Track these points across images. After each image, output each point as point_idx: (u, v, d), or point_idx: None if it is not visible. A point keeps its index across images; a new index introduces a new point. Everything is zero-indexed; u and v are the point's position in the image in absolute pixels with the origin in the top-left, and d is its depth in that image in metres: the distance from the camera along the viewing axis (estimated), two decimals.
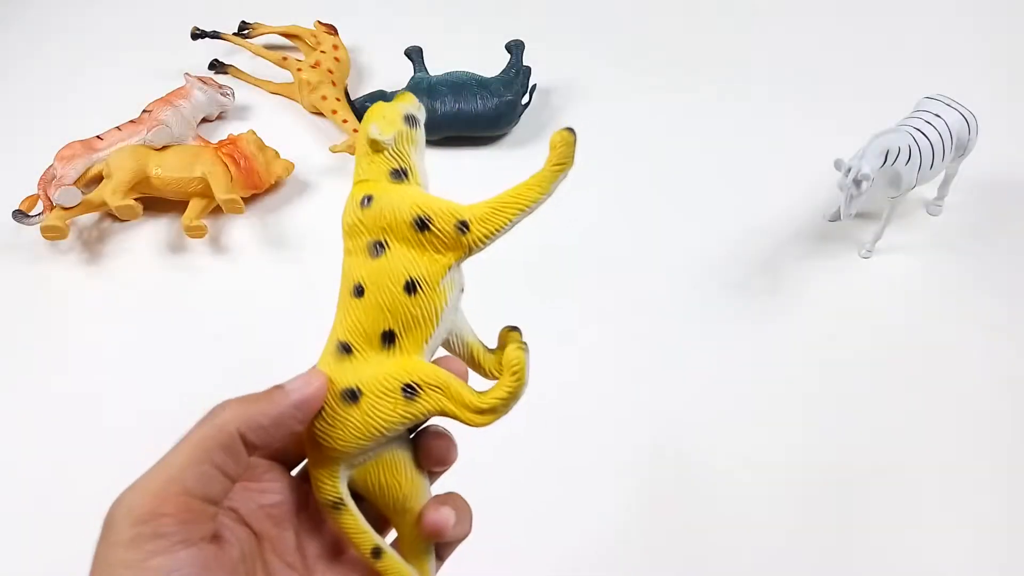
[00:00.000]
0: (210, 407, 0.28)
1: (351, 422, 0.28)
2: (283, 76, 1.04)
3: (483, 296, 0.79)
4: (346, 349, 0.29)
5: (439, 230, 0.29)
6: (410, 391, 0.28)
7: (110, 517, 0.25)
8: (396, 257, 0.29)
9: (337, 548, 0.31)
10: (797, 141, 0.96)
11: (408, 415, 0.28)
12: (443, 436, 0.31)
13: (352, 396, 0.28)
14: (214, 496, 0.26)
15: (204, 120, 0.98)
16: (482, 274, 0.81)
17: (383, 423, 0.28)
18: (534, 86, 0.99)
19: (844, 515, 0.60)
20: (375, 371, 0.28)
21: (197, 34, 1.06)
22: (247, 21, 1.09)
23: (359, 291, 0.29)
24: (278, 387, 0.28)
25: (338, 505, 0.29)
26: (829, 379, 0.70)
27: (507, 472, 0.61)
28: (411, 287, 0.28)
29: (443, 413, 0.28)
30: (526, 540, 0.58)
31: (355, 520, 0.29)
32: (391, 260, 0.29)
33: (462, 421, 0.28)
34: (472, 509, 0.31)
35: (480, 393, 0.28)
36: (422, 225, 0.29)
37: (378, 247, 0.29)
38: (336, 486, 0.29)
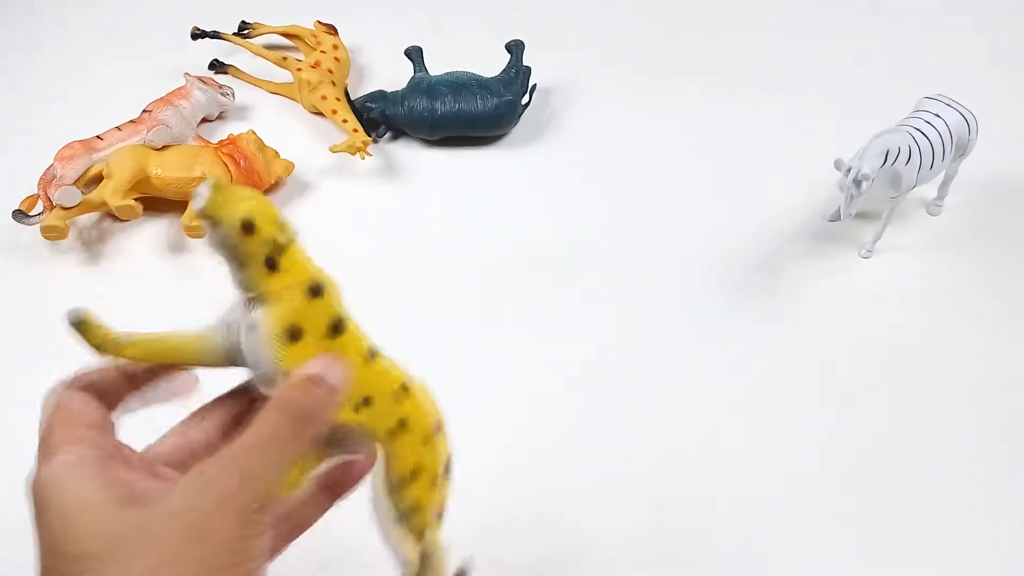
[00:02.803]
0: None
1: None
2: (283, 76, 1.04)
3: (482, 295, 0.79)
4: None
5: None
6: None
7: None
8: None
9: None
10: (797, 141, 0.96)
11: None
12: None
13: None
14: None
15: (204, 120, 0.98)
16: (482, 273, 0.82)
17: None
18: (534, 86, 0.99)
19: (842, 514, 0.60)
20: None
21: (197, 34, 1.06)
22: (247, 21, 1.09)
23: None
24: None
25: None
26: (828, 379, 0.70)
27: (507, 468, 0.61)
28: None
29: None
30: (522, 535, 0.58)
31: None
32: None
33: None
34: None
35: None
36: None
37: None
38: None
